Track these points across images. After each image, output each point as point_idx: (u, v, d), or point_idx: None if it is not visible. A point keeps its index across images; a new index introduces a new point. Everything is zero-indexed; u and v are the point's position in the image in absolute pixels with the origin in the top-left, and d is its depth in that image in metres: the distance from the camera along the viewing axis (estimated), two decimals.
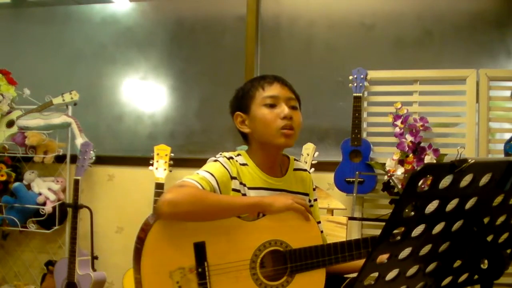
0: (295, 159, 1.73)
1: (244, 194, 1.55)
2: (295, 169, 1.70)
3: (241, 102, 1.62)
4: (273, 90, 1.58)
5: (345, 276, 1.70)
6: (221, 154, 1.60)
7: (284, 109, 1.55)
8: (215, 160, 1.57)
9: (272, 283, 1.47)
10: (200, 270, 1.41)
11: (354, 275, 1.76)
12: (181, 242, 1.42)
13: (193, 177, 1.50)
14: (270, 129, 1.55)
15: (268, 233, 1.48)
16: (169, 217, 1.40)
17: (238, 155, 1.62)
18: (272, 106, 1.56)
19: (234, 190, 1.54)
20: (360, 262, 1.65)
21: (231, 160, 1.57)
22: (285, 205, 1.49)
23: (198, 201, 1.42)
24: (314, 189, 1.76)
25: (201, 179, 1.49)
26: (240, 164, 1.58)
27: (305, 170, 1.74)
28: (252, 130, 1.60)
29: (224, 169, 1.54)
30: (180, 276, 1.40)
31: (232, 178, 1.54)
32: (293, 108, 1.59)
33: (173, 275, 1.40)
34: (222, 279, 1.43)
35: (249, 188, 1.56)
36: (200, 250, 1.42)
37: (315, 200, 1.76)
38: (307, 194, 1.70)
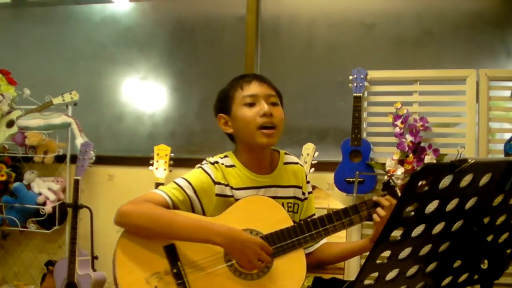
0: (286, 153, 1.72)
1: (231, 196, 1.56)
2: (286, 163, 1.69)
3: (223, 103, 1.64)
4: (252, 89, 1.59)
5: (345, 279, 1.71)
6: (206, 160, 1.62)
7: (263, 107, 1.56)
8: (199, 167, 1.59)
9: (252, 272, 1.47)
10: (175, 270, 1.43)
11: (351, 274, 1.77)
12: (151, 248, 1.45)
13: (165, 188, 1.53)
14: (250, 127, 1.56)
15: (236, 224, 1.48)
16: (117, 224, 1.47)
17: (225, 156, 1.64)
18: (251, 105, 1.57)
19: (218, 195, 1.55)
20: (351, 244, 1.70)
21: (215, 164, 1.58)
22: (244, 260, 1.43)
23: (151, 219, 1.44)
24: (308, 182, 1.75)
25: (172, 190, 1.51)
26: (226, 166, 1.59)
27: (297, 163, 1.74)
28: (235, 131, 1.62)
29: (206, 175, 1.55)
30: (157, 281, 1.42)
31: (216, 183, 1.55)
32: (273, 104, 1.59)
33: (149, 280, 1.42)
34: (200, 276, 1.44)
35: (236, 189, 1.57)
36: (171, 252, 1.45)
37: (310, 192, 1.76)
38: (300, 187, 1.70)
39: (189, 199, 1.52)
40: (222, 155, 1.64)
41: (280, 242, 1.49)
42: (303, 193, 1.71)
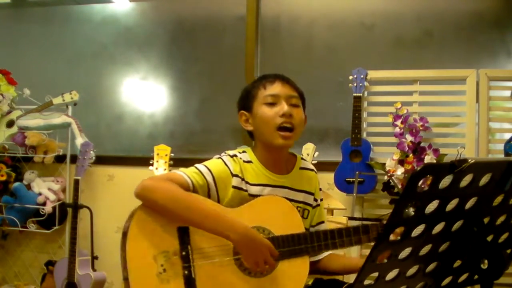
0: (302, 158, 1.75)
1: (245, 190, 1.57)
2: (302, 168, 1.72)
3: (245, 101, 1.66)
4: (274, 88, 1.60)
5: (344, 281, 1.71)
6: (225, 153, 1.63)
7: (283, 107, 1.57)
8: (218, 157, 1.61)
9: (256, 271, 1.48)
10: (184, 253, 1.44)
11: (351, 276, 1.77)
12: (165, 227, 1.46)
13: (186, 170, 1.54)
14: (269, 127, 1.57)
15: (250, 220, 1.50)
16: (137, 197, 1.48)
17: (243, 152, 1.65)
18: (272, 104, 1.59)
19: (234, 187, 1.56)
20: (354, 262, 1.72)
21: (234, 157, 1.60)
22: (251, 260, 1.44)
23: (171, 199, 1.45)
24: (320, 189, 1.78)
25: (193, 173, 1.53)
26: (244, 162, 1.61)
27: (312, 170, 1.77)
28: (254, 128, 1.64)
29: (225, 166, 1.57)
30: (164, 260, 1.43)
31: (233, 175, 1.56)
32: (294, 105, 1.60)
33: (157, 258, 1.43)
34: (206, 264, 1.46)
35: (251, 184, 1.58)
36: (183, 234, 1.46)
37: (321, 200, 1.78)
38: (312, 193, 1.71)
39: (208, 186, 1.53)
40: (240, 150, 1.66)
41: (289, 246, 1.50)
42: (315, 200, 1.73)
